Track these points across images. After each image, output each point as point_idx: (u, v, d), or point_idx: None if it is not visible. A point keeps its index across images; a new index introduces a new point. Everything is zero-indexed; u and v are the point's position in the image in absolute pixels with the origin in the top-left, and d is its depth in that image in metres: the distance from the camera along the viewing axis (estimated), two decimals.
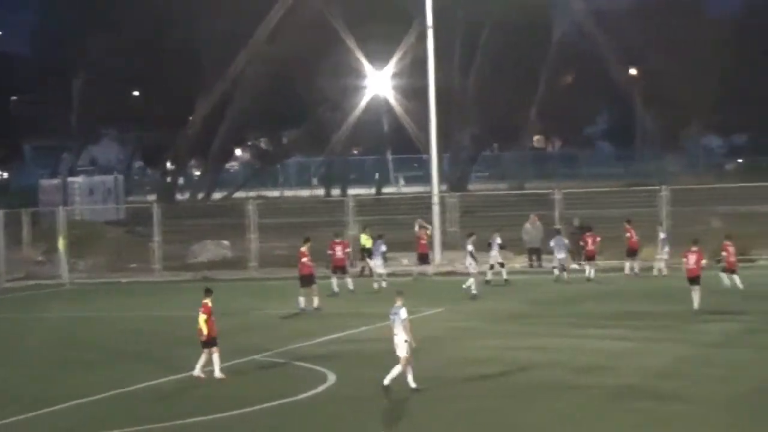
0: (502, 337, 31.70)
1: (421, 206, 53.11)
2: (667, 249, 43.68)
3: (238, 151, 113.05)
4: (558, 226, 47.20)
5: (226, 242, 56.44)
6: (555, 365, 26.91)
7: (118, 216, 68.98)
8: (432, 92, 52.76)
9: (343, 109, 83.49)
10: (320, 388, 25.35)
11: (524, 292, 41.71)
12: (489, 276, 43.45)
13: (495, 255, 43.55)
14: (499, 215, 48.51)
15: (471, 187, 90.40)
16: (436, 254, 50.67)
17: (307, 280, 38.22)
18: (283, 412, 23.52)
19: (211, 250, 56.08)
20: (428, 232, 48.55)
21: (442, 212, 52.08)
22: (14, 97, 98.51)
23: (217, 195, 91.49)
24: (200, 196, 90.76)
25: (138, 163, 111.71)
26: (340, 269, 42.63)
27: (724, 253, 38.33)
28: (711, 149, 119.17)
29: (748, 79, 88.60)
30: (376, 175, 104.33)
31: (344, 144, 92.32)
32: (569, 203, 50.19)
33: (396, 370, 24.24)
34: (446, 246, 51.12)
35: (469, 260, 41.11)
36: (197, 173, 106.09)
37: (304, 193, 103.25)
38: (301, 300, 37.95)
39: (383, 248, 43.40)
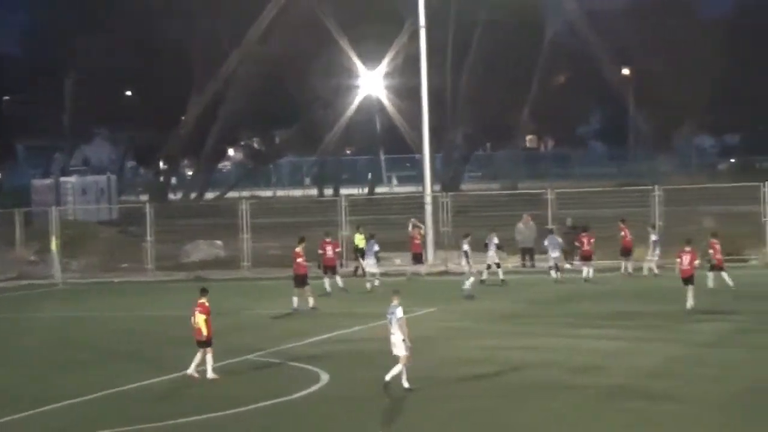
0: (495, 337, 31.69)
1: (413, 206, 53.11)
2: (657, 252, 43.69)
3: (230, 151, 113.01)
4: (551, 227, 47.21)
5: (218, 242, 56.47)
6: (548, 365, 26.90)
7: (111, 216, 68.89)
8: (425, 92, 52.76)
9: (336, 108, 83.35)
10: (313, 388, 25.33)
11: (517, 292, 41.71)
12: (485, 276, 43.45)
13: (492, 255, 43.56)
14: (491, 215, 48.55)
15: (464, 186, 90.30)
16: (429, 254, 50.69)
17: (300, 281, 38.25)
18: (276, 411, 23.50)
19: (204, 249, 56.09)
20: (422, 231, 48.58)
21: (435, 212, 52.08)
22: (6, 97, 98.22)
23: (209, 195, 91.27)
24: (193, 195, 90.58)
25: (130, 163, 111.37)
26: (330, 269, 42.65)
27: (711, 251, 38.70)
28: (703, 149, 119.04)
29: (740, 79, 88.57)
30: (369, 175, 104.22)
31: (337, 144, 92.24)
32: (562, 203, 50.23)
33: (397, 368, 24.23)
34: (439, 246, 51.13)
35: (464, 260, 41.14)
36: (190, 173, 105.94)
37: (297, 192, 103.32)
38: (295, 300, 37.97)
39: (376, 248, 43.40)
